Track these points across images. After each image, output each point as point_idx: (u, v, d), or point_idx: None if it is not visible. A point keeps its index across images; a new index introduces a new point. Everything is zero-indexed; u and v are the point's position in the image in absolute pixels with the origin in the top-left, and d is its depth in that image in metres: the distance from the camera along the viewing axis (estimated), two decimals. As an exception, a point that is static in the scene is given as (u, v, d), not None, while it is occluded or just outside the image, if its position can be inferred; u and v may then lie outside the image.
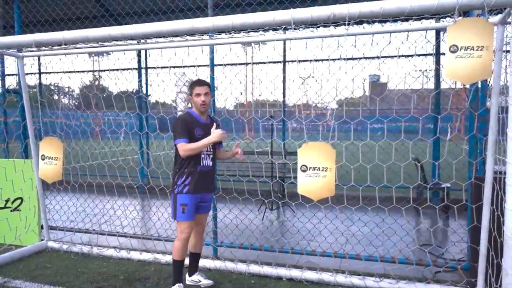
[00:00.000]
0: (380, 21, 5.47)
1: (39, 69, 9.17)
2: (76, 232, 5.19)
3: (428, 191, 5.95)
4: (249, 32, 3.72)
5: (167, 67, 8.63)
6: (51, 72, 8.83)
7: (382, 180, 3.73)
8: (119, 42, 4.56)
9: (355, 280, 3.72)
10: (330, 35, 3.55)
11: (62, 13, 5.91)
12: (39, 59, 9.13)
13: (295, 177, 6.57)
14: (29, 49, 4.42)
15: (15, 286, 3.77)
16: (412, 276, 3.80)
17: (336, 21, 2.75)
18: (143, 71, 9.04)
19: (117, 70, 9.50)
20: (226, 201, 4.72)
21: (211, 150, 3.52)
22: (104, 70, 11.42)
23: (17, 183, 4.72)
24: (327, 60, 8.16)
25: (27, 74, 9.06)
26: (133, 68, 9.25)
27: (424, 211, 6.10)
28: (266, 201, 6.35)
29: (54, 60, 5.77)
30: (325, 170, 2.76)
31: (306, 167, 2.80)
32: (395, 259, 3.95)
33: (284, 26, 2.95)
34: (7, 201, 4.99)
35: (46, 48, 4.20)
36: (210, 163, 3.53)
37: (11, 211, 4.98)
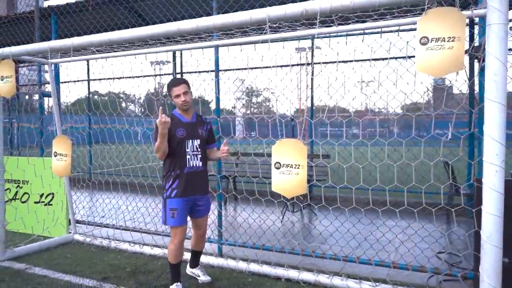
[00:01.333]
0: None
1: (88, 75, 9.88)
2: (99, 227, 5.52)
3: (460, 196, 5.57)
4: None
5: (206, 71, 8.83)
6: (100, 79, 9.48)
7: (411, 183, 3.55)
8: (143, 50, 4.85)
9: (351, 283, 3.61)
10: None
11: (98, 25, 6.30)
12: (88, 65, 9.81)
13: (318, 180, 6.51)
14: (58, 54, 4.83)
15: (33, 272, 4.12)
16: (416, 283, 3.62)
17: (309, 17, 2.74)
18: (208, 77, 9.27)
19: (183, 73, 9.60)
20: (249, 202, 4.77)
21: (199, 149, 3.41)
22: (163, 74, 11.87)
23: (46, 179, 5.14)
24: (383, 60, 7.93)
25: (93, 79, 9.79)
26: (195, 72, 9.22)
27: (455, 217, 5.73)
28: (288, 203, 6.32)
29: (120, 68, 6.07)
30: (298, 168, 2.73)
31: (280, 164, 2.79)
32: (396, 263, 3.77)
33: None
34: (41, 196, 5.47)
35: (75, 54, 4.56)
36: (199, 163, 3.40)
37: (44, 205, 5.44)
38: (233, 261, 4.18)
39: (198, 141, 3.43)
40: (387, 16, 3.53)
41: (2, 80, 4.20)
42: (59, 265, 4.33)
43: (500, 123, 2.24)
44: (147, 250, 4.67)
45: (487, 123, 2.26)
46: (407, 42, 3.59)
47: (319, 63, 9.18)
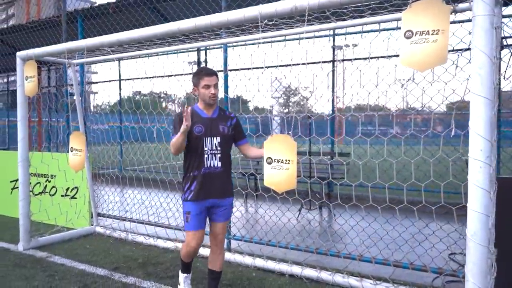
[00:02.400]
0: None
1: (119, 75, 10.28)
2: (120, 220, 5.75)
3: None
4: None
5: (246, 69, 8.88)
6: (128, 79, 9.86)
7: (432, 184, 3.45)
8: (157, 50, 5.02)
9: (352, 281, 3.59)
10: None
11: (125, 26, 6.53)
12: (119, 65, 10.20)
13: (334, 178, 6.45)
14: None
15: (53, 261, 4.38)
16: (418, 283, 3.54)
17: (298, 13, 2.76)
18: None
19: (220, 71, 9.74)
20: (268, 200, 4.82)
21: (219, 148, 3.04)
22: (184, 74, 12.12)
23: (70, 174, 5.43)
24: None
25: (125, 79, 10.17)
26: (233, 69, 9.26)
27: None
28: (303, 201, 6.31)
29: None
30: (288, 163, 2.76)
31: (271, 159, 2.82)
32: (399, 263, 3.70)
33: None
34: (67, 189, 5.78)
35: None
36: (219, 164, 3.04)
37: (69, 198, 5.75)
38: (240, 256, 4.26)
39: (219, 138, 3.04)
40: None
41: (26, 80, 4.49)
42: (77, 254, 4.58)
43: (485, 118, 2.17)
44: (160, 243, 4.84)
45: (472, 118, 2.20)
46: (453, 33, 3.42)
47: (349, 59, 9.06)
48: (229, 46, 7.00)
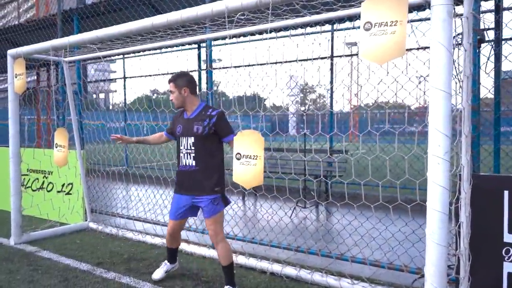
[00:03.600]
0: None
1: (124, 73, 10.38)
2: (111, 216, 5.80)
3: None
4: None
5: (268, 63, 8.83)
6: (134, 76, 9.95)
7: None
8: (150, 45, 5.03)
9: (331, 280, 3.52)
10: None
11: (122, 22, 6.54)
12: (123, 63, 10.32)
13: (340, 176, 6.35)
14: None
15: (40, 255, 4.44)
16: (397, 284, 3.46)
17: (262, 7, 2.71)
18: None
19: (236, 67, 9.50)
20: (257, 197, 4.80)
21: (193, 147, 3.19)
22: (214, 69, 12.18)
23: (63, 170, 5.51)
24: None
25: (129, 77, 10.25)
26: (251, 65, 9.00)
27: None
28: (296, 200, 6.26)
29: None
30: (255, 158, 2.72)
31: (240, 155, 2.79)
32: (378, 262, 3.61)
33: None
34: (63, 185, 5.87)
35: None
36: (193, 163, 3.20)
37: (65, 194, 5.83)
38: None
39: (192, 138, 3.20)
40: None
41: (15, 77, 4.56)
42: (66, 249, 4.64)
43: (443, 112, 2.08)
44: (148, 239, 4.85)
45: (431, 112, 2.12)
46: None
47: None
48: (240, 42, 6.97)
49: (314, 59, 6.85)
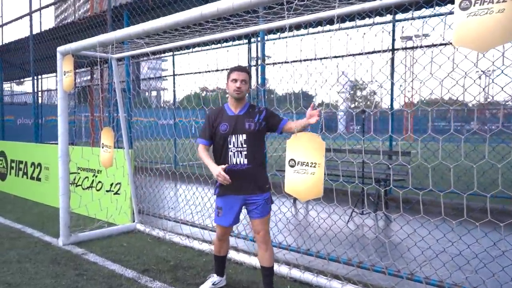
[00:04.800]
0: None
1: (173, 71, 10.27)
2: (159, 218, 5.62)
3: None
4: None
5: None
6: (176, 75, 9.80)
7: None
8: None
9: (322, 280, 3.17)
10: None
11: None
12: (173, 60, 10.20)
13: (399, 180, 5.80)
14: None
15: (87, 258, 4.31)
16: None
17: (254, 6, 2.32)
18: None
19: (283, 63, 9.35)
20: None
21: (244, 145, 3.01)
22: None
23: (111, 169, 5.39)
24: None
25: (172, 75, 10.21)
26: (290, 61, 8.78)
27: None
28: (353, 207, 5.77)
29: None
30: (314, 166, 2.32)
31: (294, 161, 2.40)
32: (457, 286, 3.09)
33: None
34: (111, 185, 5.78)
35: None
36: (245, 161, 3.02)
37: (114, 194, 5.74)
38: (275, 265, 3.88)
39: (244, 136, 3.03)
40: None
41: (64, 75, 4.45)
42: (112, 253, 4.48)
43: None
44: (196, 244, 4.60)
45: None
46: None
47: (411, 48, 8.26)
48: (282, 38, 6.59)
49: (376, 52, 6.33)
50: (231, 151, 3.04)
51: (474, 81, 3.25)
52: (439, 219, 3.15)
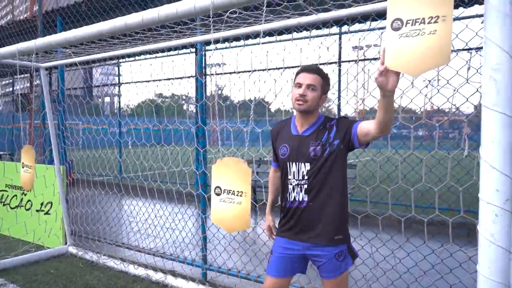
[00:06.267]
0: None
1: (118, 79, 9.85)
2: (92, 240, 5.23)
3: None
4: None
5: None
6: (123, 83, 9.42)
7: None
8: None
9: None
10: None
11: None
12: (118, 69, 9.78)
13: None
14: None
15: (5, 290, 3.88)
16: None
17: (258, 1, 2.13)
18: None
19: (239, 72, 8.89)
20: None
21: (306, 177, 2.25)
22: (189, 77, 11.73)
23: (40, 187, 4.95)
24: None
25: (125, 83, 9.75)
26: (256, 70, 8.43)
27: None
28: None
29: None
30: (240, 195, 2.13)
31: (220, 189, 2.20)
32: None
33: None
34: (41, 204, 5.31)
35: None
36: (304, 198, 2.27)
37: (44, 214, 5.27)
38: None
39: (308, 165, 2.26)
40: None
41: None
42: (36, 282, 4.06)
43: (503, 143, 1.49)
44: (131, 269, 4.27)
45: (484, 142, 1.53)
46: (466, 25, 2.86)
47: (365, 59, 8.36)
48: (236, 47, 6.41)
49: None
50: (291, 183, 2.31)
51: (420, 91, 3.24)
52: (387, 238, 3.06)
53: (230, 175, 2.16)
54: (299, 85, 2.25)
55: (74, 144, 6.20)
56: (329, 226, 2.25)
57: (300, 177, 2.27)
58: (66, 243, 5.07)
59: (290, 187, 2.31)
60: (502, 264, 1.51)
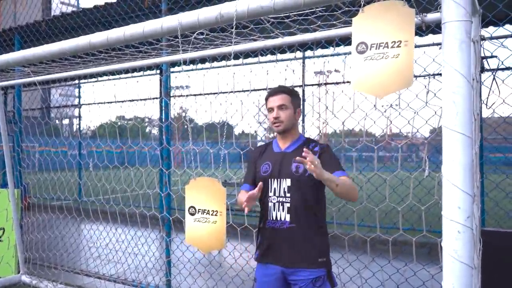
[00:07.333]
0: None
1: (79, 100, 9.58)
2: (47, 268, 4.96)
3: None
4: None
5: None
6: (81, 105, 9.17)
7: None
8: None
9: None
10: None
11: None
12: (79, 90, 9.54)
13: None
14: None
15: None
16: None
17: (224, 23, 2.15)
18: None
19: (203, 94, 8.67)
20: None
21: (287, 194, 2.23)
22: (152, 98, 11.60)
23: (-9, 213, 4.67)
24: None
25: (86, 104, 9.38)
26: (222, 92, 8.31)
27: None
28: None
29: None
30: (215, 214, 2.11)
31: (195, 209, 2.17)
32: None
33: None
34: (-7, 230, 4.98)
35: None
36: (286, 217, 2.23)
37: (-5, 241, 4.95)
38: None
39: (288, 181, 2.25)
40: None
41: None
42: (-15, 315, 3.78)
43: (463, 163, 1.55)
44: (91, 298, 4.07)
45: (446, 162, 1.58)
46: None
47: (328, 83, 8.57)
48: (204, 69, 6.40)
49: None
50: (271, 201, 2.28)
51: (383, 113, 3.34)
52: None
53: (205, 194, 2.14)
54: (271, 110, 2.35)
55: (31, 167, 5.93)
56: (310, 247, 2.22)
57: (282, 194, 2.25)
58: (19, 272, 4.77)
59: (271, 204, 2.28)
60: (465, 280, 1.55)
